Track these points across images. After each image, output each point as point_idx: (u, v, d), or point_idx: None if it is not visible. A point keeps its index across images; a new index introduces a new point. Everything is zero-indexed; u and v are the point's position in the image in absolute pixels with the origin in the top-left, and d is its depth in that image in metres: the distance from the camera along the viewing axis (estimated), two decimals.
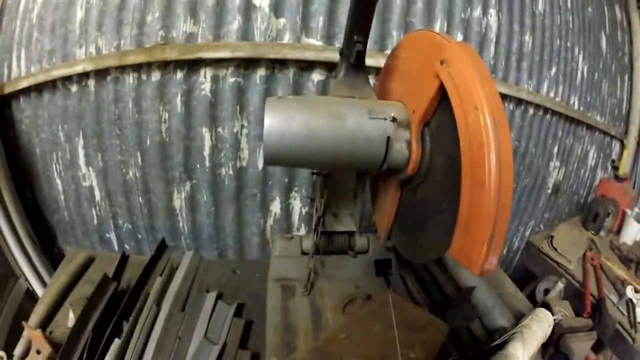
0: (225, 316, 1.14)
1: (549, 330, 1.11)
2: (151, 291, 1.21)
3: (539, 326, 1.08)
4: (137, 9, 1.45)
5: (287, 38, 1.48)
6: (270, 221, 1.71)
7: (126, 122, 1.56)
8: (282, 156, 0.84)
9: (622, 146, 2.76)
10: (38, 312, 1.16)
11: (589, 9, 2.28)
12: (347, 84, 0.97)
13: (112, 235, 1.82)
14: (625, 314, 1.56)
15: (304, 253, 1.09)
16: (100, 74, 1.53)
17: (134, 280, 1.26)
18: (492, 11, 1.76)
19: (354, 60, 0.92)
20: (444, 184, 0.75)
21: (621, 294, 1.64)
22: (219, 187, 1.63)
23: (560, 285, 1.53)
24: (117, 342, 1.01)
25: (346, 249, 1.13)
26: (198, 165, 1.59)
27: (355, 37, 0.88)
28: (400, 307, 0.76)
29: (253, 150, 1.59)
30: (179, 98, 1.49)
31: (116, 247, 1.83)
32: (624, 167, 2.68)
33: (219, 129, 1.54)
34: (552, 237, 1.91)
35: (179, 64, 1.45)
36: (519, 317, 1.19)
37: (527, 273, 2.10)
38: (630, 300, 1.60)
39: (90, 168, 1.70)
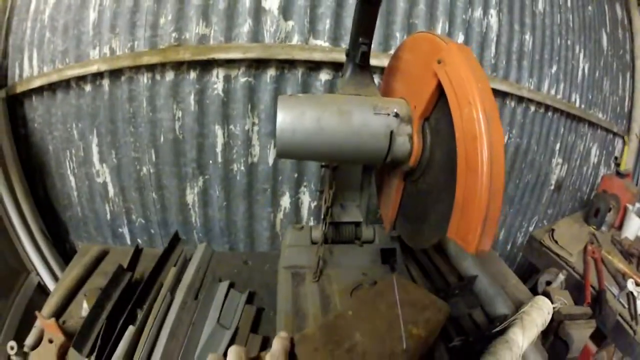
0: (237, 303, 1.18)
1: (548, 317, 1.15)
2: (165, 281, 1.25)
3: (539, 313, 1.11)
4: (149, 11, 1.52)
5: (295, 40, 1.54)
6: (280, 215, 1.77)
7: (140, 120, 1.62)
8: (293, 150, 0.89)
9: (624, 143, 2.79)
10: (51, 303, 1.16)
11: (589, 8, 2.32)
12: (353, 82, 1.02)
13: (125, 230, 1.89)
14: (626, 306, 1.58)
15: (313, 242, 1.14)
16: (115, 74, 1.59)
17: (148, 272, 1.29)
18: (493, 12, 1.80)
19: (359, 61, 0.97)
20: (443, 175, 0.80)
21: (622, 287, 1.66)
22: (231, 182, 1.69)
23: (561, 277, 1.56)
24: (131, 329, 1.03)
25: (353, 238, 1.18)
26: (210, 162, 1.65)
27: (361, 39, 0.93)
28: (404, 288, 0.81)
29: (264, 147, 1.64)
30: (192, 97, 1.55)
31: (129, 242, 1.90)
32: (625, 164, 2.70)
33: (231, 127, 1.60)
34: (552, 230, 1.95)
35: (192, 64, 1.51)
36: (520, 307, 1.22)
37: (531, 268, 2.13)
38: (631, 293, 1.62)
39: (104, 165, 1.76)
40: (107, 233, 1.92)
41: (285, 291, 1.05)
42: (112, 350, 0.96)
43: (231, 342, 1.06)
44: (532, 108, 2.06)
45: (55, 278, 1.88)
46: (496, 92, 1.87)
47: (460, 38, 1.76)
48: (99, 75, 1.62)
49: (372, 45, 0.98)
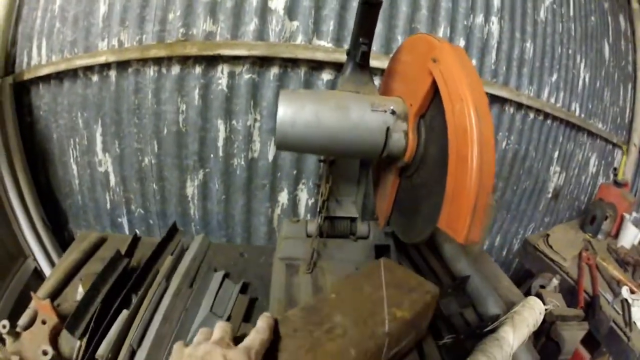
0: (231, 293, 1.20)
1: (540, 318, 1.15)
2: (161, 268, 1.25)
3: (530, 312, 1.12)
4: (159, 7, 1.55)
5: (299, 39, 1.58)
6: (277, 211, 1.79)
7: (145, 112, 1.65)
8: (292, 142, 0.92)
9: (623, 153, 2.80)
10: (47, 286, 1.15)
11: (592, 18, 2.34)
12: (352, 80, 1.05)
13: (124, 220, 1.91)
14: (620, 312, 1.59)
15: (308, 235, 1.16)
16: (122, 65, 1.62)
17: (145, 259, 1.29)
18: (494, 19, 1.83)
19: (359, 60, 1.00)
20: (436, 170, 0.82)
21: (616, 294, 1.67)
22: (231, 176, 1.71)
23: (555, 282, 1.57)
24: (124, 313, 1.03)
25: (348, 233, 1.20)
26: (212, 155, 1.68)
27: (361, 39, 0.96)
28: (392, 271, 0.81)
29: (264, 143, 1.67)
30: (196, 91, 1.58)
31: (127, 232, 1.92)
32: (623, 173, 2.71)
33: (233, 122, 1.63)
34: (547, 235, 1.96)
35: (198, 59, 1.54)
36: (512, 308, 1.23)
37: (526, 274, 2.14)
38: (626, 300, 1.63)
39: (107, 154, 1.79)
40: (106, 222, 1.94)
41: (279, 280, 1.07)
42: (104, 333, 0.96)
43: None
44: (531, 115, 2.08)
45: (52, 265, 1.89)
46: (496, 98, 1.90)
47: (462, 44, 1.78)
48: (106, 66, 1.65)
49: (375, 48, 1.02)
